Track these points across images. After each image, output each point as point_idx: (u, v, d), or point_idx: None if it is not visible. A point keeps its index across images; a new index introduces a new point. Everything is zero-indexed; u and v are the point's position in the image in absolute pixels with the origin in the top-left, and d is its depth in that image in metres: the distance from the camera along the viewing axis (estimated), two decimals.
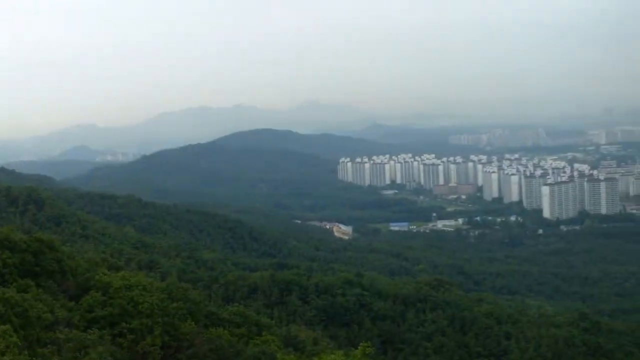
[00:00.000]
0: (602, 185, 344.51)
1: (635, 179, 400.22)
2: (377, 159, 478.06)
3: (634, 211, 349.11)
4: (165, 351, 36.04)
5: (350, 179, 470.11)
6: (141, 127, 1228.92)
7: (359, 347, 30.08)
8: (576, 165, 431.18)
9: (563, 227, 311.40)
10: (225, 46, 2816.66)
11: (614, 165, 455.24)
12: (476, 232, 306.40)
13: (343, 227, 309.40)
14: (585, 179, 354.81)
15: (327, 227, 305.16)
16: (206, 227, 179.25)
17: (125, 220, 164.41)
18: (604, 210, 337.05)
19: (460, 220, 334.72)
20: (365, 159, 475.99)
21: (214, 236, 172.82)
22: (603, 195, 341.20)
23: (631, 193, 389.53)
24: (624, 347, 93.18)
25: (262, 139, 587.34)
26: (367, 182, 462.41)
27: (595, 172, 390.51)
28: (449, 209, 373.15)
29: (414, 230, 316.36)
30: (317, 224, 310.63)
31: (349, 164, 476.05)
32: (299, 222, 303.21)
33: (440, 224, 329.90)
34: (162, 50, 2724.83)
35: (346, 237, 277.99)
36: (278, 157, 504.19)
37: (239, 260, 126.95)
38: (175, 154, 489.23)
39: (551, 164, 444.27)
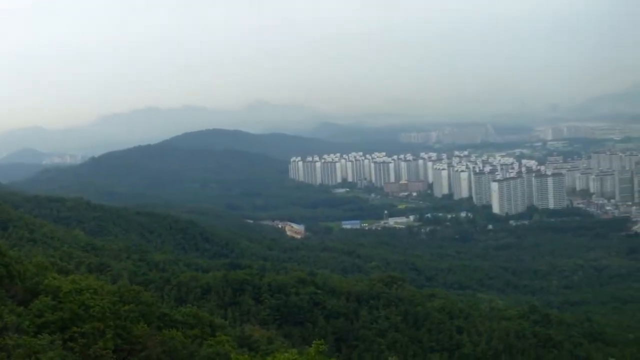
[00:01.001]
0: (550, 180, 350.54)
1: (581, 174, 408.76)
2: (328, 158, 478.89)
3: (581, 205, 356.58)
4: (118, 354, 35.50)
5: (301, 178, 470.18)
6: (89, 128, 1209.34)
7: (313, 345, 30.05)
8: (524, 162, 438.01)
9: (512, 222, 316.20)
10: (173, 46, 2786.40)
11: (561, 161, 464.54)
12: (427, 229, 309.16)
13: (295, 226, 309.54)
14: (533, 175, 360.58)
15: (280, 226, 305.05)
16: (157, 228, 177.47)
17: (74, 223, 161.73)
18: (551, 205, 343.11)
19: (411, 217, 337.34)
20: (317, 158, 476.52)
21: (165, 237, 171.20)
22: (550, 191, 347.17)
23: (577, 188, 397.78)
24: (573, 338, 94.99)
25: (212, 139, 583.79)
26: (319, 181, 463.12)
27: (542, 167, 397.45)
28: (400, 207, 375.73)
29: (366, 228, 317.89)
30: (269, 223, 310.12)
31: (300, 163, 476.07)
32: (251, 222, 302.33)
33: (391, 222, 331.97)
34: (109, 50, 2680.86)
35: (298, 236, 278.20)
36: (228, 158, 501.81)
37: (191, 261, 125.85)
38: (124, 155, 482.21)
39: (500, 160, 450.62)
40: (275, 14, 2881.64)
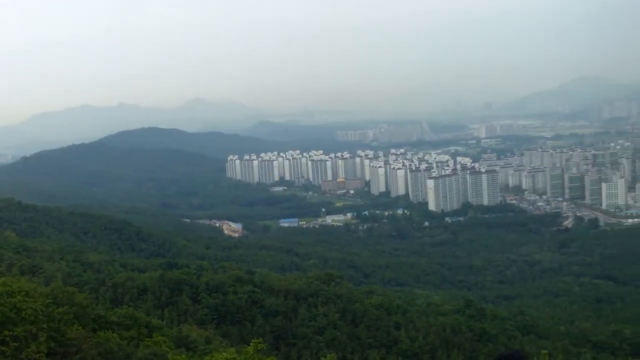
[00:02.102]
0: (484, 177, 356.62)
1: (514, 170, 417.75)
2: (265, 156, 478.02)
3: (514, 202, 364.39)
4: (52, 358, 34.75)
5: (238, 176, 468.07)
6: (20, 127, 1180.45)
7: (251, 344, 29.96)
8: (459, 159, 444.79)
9: (448, 219, 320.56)
10: (107, 44, 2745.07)
11: (494, 158, 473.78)
12: (365, 226, 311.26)
13: (233, 224, 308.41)
14: (468, 172, 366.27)
15: (217, 225, 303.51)
16: (92, 228, 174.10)
17: (5, 224, 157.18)
18: (485, 202, 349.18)
19: (349, 215, 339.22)
20: (254, 156, 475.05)
21: (100, 238, 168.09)
22: (484, 187, 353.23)
23: (510, 184, 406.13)
24: (507, 331, 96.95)
25: (148, 137, 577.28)
26: (256, 180, 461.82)
27: (476, 165, 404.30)
28: (338, 204, 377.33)
29: (304, 226, 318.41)
30: (206, 222, 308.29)
31: (237, 162, 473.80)
32: (188, 221, 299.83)
33: (329, 219, 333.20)
34: (40, 48, 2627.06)
35: (236, 235, 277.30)
36: (165, 156, 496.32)
37: (127, 261, 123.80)
38: (57, 154, 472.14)
39: (435, 157, 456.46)
40: (210, 12, 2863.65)
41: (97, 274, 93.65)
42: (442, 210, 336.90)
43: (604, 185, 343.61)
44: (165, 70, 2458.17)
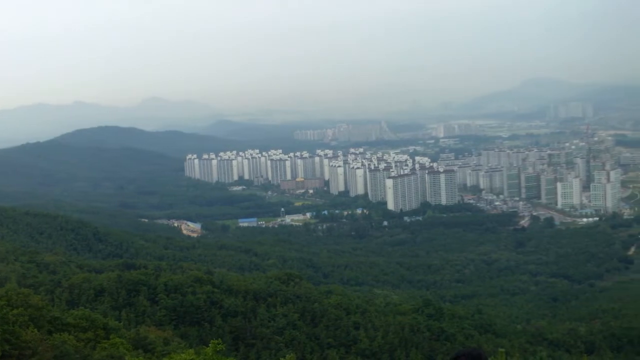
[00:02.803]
0: (442, 177, 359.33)
1: (472, 170, 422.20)
2: (224, 156, 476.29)
3: (471, 201, 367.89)
4: None
5: (197, 176, 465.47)
6: None
7: (210, 345, 29.84)
8: (417, 158, 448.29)
9: (407, 218, 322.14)
10: (63, 41, 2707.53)
11: (452, 158, 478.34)
12: (324, 226, 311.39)
13: (191, 224, 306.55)
14: (426, 172, 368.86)
15: (175, 225, 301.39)
16: (47, 229, 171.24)
17: None
18: (444, 201, 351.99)
19: (308, 215, 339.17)
20: (213, 156, 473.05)
21: (56, 238, 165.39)
22: (443, 187, 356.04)
23: (468, 184, 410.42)
24: (465, 330, 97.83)
25: (106, 136, 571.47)
26: (215, 179, 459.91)
27: (435, 164, 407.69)
28: (297, 204, 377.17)
29: (263, 226, 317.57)
30: (164, 222, 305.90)
31: (196, 161, 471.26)
32: (146, 220, 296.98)
33: (288, 219, 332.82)
34: None
35: (195, 235, 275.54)
36: (122, 155, 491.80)
37: (83, 262, 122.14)
38: (10, 153, 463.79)
39: (394, 157, 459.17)
40: (168, 12, 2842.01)
41: (52, 275, 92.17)
42: (401, 209, 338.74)
43: (559, 184, 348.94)
44: (123, 69, 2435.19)
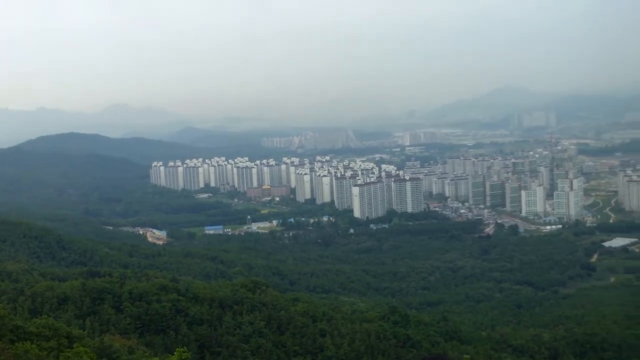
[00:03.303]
0: (408, 185, 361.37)
1: (438, 178, 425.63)
2: (190, 163, 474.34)
3: (437, 209, 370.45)
4: None
5: (163, 183, 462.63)
6: None
7: (175, 353, 29.69)
8: (383, 166, 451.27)
9: (373, 226, 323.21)
10: (26, 46, 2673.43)
11: (418, 166, 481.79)
12: (290, 233, 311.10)
13: (157, 232, 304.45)
14: (392, 179, 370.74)
15: (141, 232, 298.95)
16: (9, 237, 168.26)
17: None
18: (409, 209, 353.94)
19: (274, 222, 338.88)
20: (179, 163, 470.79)
21: (18, 246, 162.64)
22: (409, 195, 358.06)
23: (434, 192, 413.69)
24: (431, 337, 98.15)
25: (69, 143, 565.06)
26: (181, 186, 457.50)
27: (401, 172, 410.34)
28: (264, 211, 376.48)
29: (229, 233, 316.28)
30: (130, 229, 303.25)
31: (162, 168, 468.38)
32: (111, 228, 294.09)
33: (255, 226, 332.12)
34: None
35: (160, 242, 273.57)
36: (87, 162, 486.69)
37: (46, 270, 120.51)
38: None
39: (360, 165, 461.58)
40: (134, 18, 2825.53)
41: (15, 284, 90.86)
42: (367, 217, 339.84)
43: (523, 192, 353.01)
44: (87, 75, 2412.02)
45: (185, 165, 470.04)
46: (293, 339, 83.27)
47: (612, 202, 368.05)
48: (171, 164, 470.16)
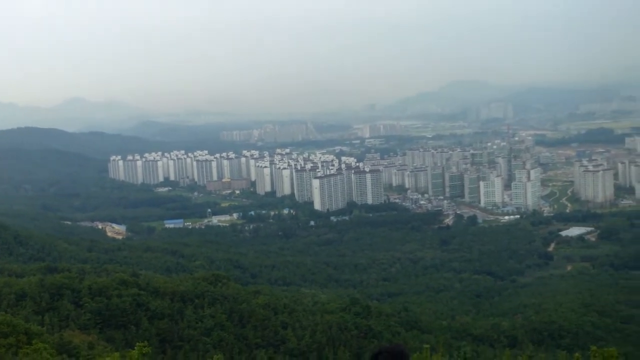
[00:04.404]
0: (368, 177, 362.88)
1: (397, 170, 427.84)
2: (149, 157, 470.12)
3: (397, 200, 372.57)
4: None
5: (122, 177, 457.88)
6: None
7: (136, 348, 29.48)
8: (343, 159, 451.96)
9: (333, 218, 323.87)
10: None
11: (378, 158, 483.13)
12: (251, 226, 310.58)
13: (116, 226, 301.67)
14: (352, 172, 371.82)
15: (100, 227, 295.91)
16: None
17: None
18: (370, 201, 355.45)
19: (235, 215, 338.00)
20: (137, 157, 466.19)
21: None
22: (369, 187, 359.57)
23: (394, 183, 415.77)
24: (392, 327, 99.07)
25: (25, 137, 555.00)
26: (140, 180, 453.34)
27: (361, 164, 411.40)
28: (224, 205, 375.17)
29: (190, 227, 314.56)
30: (88, 224, 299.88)
31: (121, 162, 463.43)
32: (69, 223, 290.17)
33: (215, 220, 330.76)
34: None
35: (120, 237, 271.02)
36: (43, 157, 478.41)
37: (3, 266, 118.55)
38: None
39: (320, 157, 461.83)
40: (89, 10, 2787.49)
41: None
42: (328, 209, 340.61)
43: (482, 183, 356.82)
44: (43, 68, 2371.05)
45: (144, 159, 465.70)
46: (255, 332, 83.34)
47: (569, 192, 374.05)
48: (130, 158, 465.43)
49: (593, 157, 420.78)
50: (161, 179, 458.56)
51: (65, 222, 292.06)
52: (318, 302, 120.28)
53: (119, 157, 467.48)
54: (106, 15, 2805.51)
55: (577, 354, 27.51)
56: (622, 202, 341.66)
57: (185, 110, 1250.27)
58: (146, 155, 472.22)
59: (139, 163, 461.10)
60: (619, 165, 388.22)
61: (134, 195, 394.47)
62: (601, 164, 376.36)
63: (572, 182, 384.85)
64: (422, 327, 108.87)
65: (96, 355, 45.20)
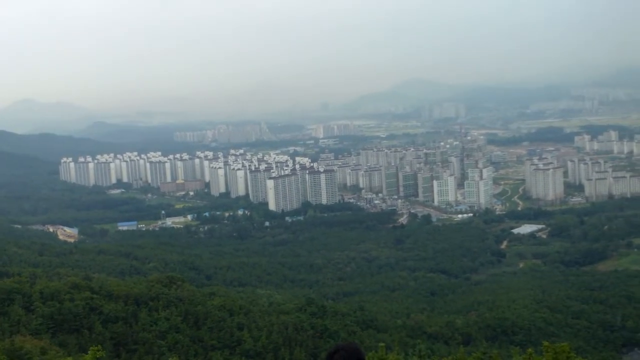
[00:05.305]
0: (322, 177, 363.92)
1: (352, 170, 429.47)
2: (101, 158, 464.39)
3: (352, 200, 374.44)
4: None
5: (73, 179, 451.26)
6: None
7: (89, 352, 29.19)
8: (298, 159, 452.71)
9: (288, 218, 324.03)
10: None
11: (332, 158, 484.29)
12: (205, 228, 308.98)
13: (68, 229, 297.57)
14: (307, 172, 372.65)
15: (51, 230, 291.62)
16: None
17: None
18: (324, 201, 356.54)
19: (189, 217, 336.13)
20: (89, 159, 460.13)
21: None
22: (323, 187, 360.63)
23: (348, 183, 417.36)
24: (348, 327, 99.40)
25: None
26: (92, 183, 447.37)
27: (315, 164, 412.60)
28: (178, 206, 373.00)
29: (143, 229, 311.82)
30: (39, 227, 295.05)
31: (72, 164, 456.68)
32: (19, 227, 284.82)
33: (169, 221, 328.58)
34: None
35: (72, 240, 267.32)
36: None
37: None
38: None
39: (275, 158, 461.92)
40: (36, 10, 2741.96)
41: None
42: (283, 209, 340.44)
43: (435, 182, 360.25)
44: None
45: (96, 161, 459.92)
46: (210, 334, 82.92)
47: (520, 190, 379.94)
48: (81, 159, 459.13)
49: (543, 156, 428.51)
50: (114, 180, 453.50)
51: (15, 225, 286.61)
52: (274, 303, 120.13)
53: (70, 159, 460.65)
54: (54, 15, 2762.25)
55: (529, 350, 27.99)
56: (572, 199, 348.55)
57: (138, 111, 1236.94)
58: (98, 157, 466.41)
59: (91, 165, 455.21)
60: (569, 163, 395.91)
61: (86, 198, 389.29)
62: (551, 163, 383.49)
63: (523, 180, 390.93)
64: (377, 326, 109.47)
65: None
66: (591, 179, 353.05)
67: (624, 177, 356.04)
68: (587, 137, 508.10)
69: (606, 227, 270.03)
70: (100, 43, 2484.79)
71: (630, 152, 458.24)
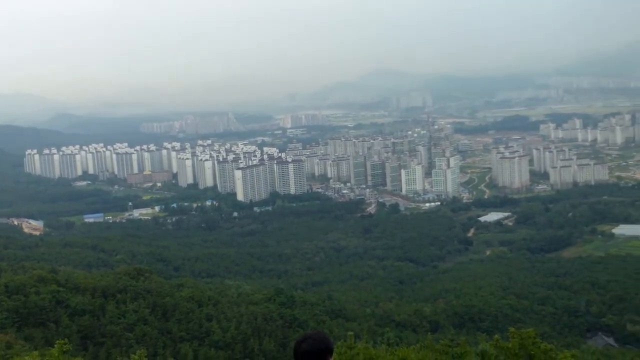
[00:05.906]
0: (290, 167, 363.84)
1: (319, 159, 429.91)
2: (66, 150, 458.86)
3: (320, 190, 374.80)
4: None
5: (38, 172, 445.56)
6: None
7: (56, 345, 28.90)
8: (266, 149, 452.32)
9: (256, 209, 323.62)
10: None
11: (300, 148, 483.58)
12: (173, 219, 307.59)
13: (33, 222, 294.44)
14: (275, 162, 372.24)
15: (16, 223, 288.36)
16: None
17: None
18: (293, 191, 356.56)
19: (157, 208, 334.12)
20: (54, 150, 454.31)
21: None
22: (291, 177, 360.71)
23: (316, 173, 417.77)
24: (317, 316, 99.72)
25: None
26: (57, 175, 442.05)
27: (283, 154, 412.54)
28: (145, 198, 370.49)
29: (110, 221, 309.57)
30: (4, 221, 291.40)
31: (37, 157, 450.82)
32: None
33: (136, 213, 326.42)
34: None
35: (37, 233, 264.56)
36: None
37: None
38: None
39: (242, 148, 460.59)
40: None
41: None
42: (251, 200, 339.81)
43: (403, 171, 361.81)
44: None
45: (61, 153, 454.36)
46: (179, 325, 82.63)
47: (487, 178, 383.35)
48: (46, 151, 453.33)
49: (509, 144, 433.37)
50: (80, 172, 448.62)
51: None
52: (242, 293, 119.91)
53: (35, 150, 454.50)
54: (13, 4, 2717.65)
55: (496, 336, 28.29)
56: (537, 187, 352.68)
57: (104, 102, 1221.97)
58: (63, 148, 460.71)
59: (56, 157, 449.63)
60: (534, 151, 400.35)
61: (52, 190, 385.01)
62: (517, 151, 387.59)
63: (489, 168, 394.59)
64: (346, 315, 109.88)
65: (14, 354, 43.98)
66: (556, 167, 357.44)
67: (588, 164, 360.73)
68: (552, 125, 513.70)
69: (570, 214, 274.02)
70: (61, 33, 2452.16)
71: (594, 140, 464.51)
